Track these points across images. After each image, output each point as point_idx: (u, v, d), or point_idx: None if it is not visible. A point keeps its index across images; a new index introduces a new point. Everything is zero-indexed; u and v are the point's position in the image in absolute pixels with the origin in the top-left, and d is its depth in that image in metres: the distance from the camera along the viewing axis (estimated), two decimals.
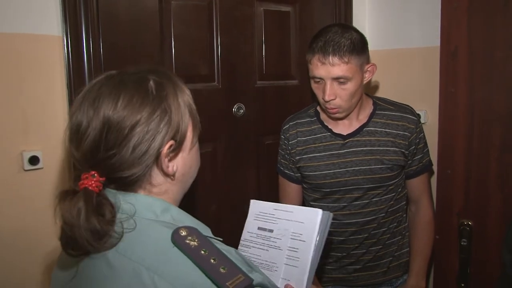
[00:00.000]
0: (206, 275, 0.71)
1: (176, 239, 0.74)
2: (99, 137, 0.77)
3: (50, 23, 1.40)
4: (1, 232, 1.37)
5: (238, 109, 1.82)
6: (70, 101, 1.43)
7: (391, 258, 1.66)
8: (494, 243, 1.39)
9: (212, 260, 0.72)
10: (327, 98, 1.48)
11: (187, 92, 0.88)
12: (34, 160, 1.38)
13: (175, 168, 0.84)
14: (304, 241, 1.14)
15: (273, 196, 1.88)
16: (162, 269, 0.72)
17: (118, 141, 0.77)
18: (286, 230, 1.18)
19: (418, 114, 1.69)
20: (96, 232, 0.74)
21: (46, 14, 1.39)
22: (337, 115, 1.55)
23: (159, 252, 0.74)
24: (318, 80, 1.50)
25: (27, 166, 1.38)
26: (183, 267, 0.72)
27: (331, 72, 1.45)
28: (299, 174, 1.67)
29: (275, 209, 1.22)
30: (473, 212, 1.41)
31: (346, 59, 1.44)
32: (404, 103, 1.66)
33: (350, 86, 1.48)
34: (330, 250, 1.66)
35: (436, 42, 1.44)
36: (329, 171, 1.58)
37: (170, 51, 1.65)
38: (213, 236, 0.85)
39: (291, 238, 1.16)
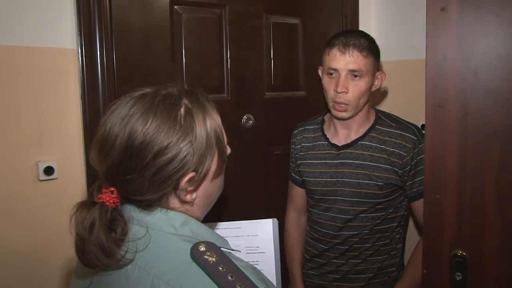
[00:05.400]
0: None
1: (195, 255, 0.75)
2: (120, 160, 0.77)
3: (65, 36, 1.43)
4: (16, 242, 1.38)
5: (247, 120, 1.85)
6: (84, 112, 1.46)
7: (372, 275, 1.61)
8: (493, 277, 1.19)
9: (229, 277, 0.72)
10: (340, 89, 1.47)
11: (216, 117, 0.86)
12: (49, 170, 1.41)
13: (194, 196, 0.84)
14: (263, 252, 1.14)
15: (282, 206, 1.89)
16: (180, 285, 0.72)
17: (138, 167, 0.77)
18: (238, 247, 1.15)
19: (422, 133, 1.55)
20: (103, 248, 0.74)
21: (62, 28, 1.42)
22: (343, 114, 1.53)
23: (178, 267, 0.74)
24: (333, 72, 1.50)
25: (42, 177, 1.40)
26: (201, 283, 0.72)
27: (349, 64, 1.47)
28: (302, 178, 1.70)
29: (224, 228, 1.18)
30: (468, 242, 1.21)
31: (365, 53, 1.47)
32: (405, 119, 1.62)
33: (362, 84, 1.49)
34: (315, 256, 1.68)
35: None
36: (321, 179, 1.61)
37: (181, 63, 1.67)
38: (231, 249, 0.85)
39: (247, 253, 1.15)
